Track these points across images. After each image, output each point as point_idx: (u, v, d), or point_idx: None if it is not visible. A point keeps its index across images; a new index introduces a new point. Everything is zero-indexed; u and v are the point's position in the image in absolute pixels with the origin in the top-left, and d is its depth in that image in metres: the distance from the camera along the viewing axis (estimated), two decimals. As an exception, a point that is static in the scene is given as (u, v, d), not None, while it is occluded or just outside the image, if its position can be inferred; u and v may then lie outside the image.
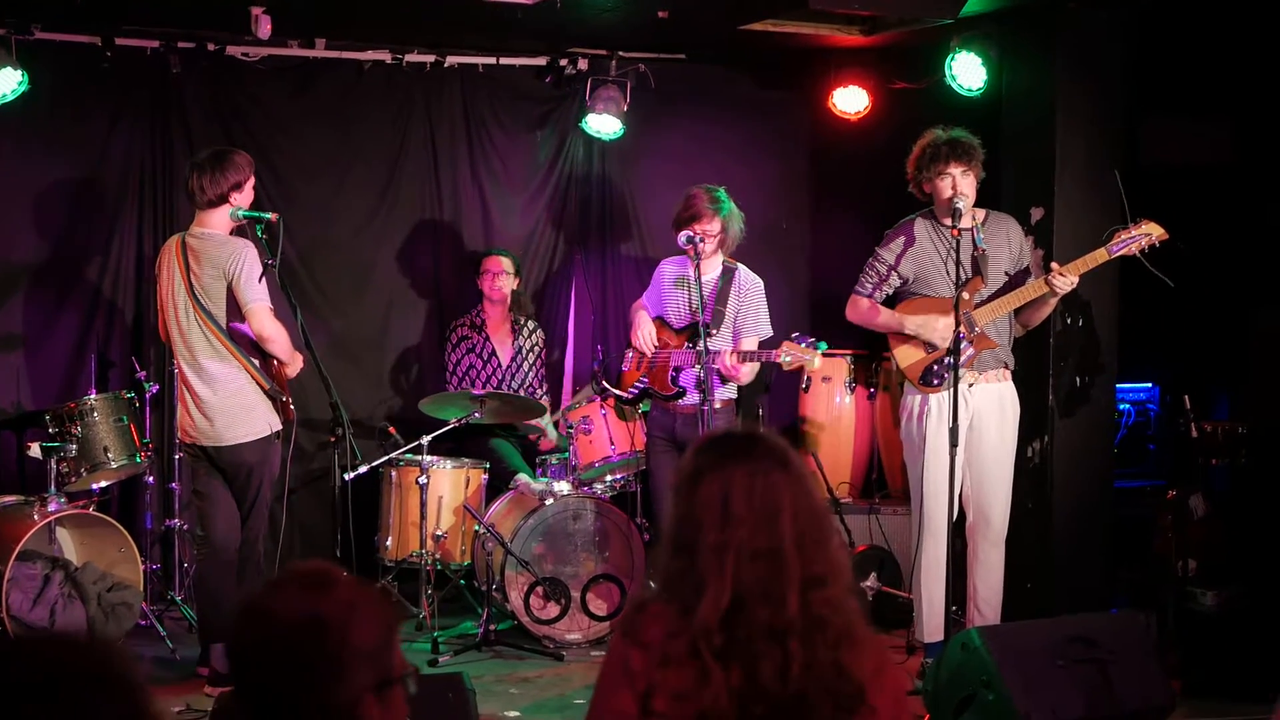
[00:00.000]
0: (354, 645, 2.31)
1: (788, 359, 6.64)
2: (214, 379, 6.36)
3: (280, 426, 6.51)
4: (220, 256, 6.32)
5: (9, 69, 7.43)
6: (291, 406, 6.63)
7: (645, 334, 7.17)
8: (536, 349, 8.41)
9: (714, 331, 6.89)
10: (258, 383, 6.41)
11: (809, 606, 2.68)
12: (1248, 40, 7.64)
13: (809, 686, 2.66)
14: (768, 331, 7.05)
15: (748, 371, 6.93)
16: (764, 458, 2.76)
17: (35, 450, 7.12)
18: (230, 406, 6.37)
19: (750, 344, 6.97)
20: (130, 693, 2.05)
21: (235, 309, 6.37)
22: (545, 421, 8.25)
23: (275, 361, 6.51)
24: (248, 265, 6.30)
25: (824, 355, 6.64)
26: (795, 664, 2.65)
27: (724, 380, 6.92)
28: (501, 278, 8.22)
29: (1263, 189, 7.66)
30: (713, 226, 6.90)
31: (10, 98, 7.50)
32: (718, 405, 6.73)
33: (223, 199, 6.39)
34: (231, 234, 6.46)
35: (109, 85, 7.99)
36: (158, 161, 8.10)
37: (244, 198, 6.46)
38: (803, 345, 6.59)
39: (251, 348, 6.41)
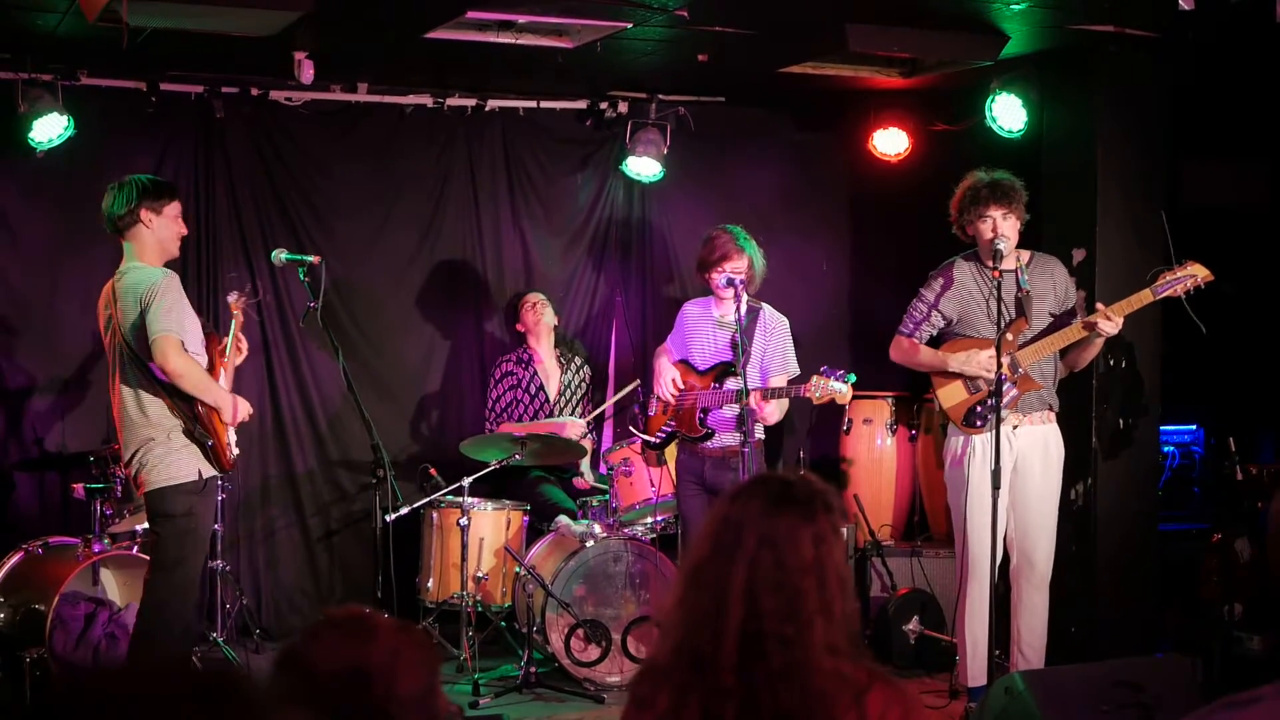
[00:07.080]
0: (400, 694, 2.28)
1: (818, 393, 6.59)
2: (147, 418, 5.95)
3: (213, 473, 6.04)
4: (137, 286, 5.88)
5: (55, 114, 7.48)
6: (230, 454, 6.07)
7: (666, 382, 7.11)
8: (584, 386, 8.44)
9: (741, 371, 6.85)
10: (183, 423, 5.97)
11: (750, 650, 2.60)
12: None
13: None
14: (795, 370, 6.96)
15: (773, 410, 6.82)
16: (751, 496, 2.72)
17: (80, 492, 7.18)
18: (159, 446, 5.95)
19: (778, 382, 6.88)
20: None
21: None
22: (584, 464, 8.25)
23: (199, 403, 5.97)
24: (161, 294, 5.83)
25: (868, 398, 6.57)
26: (731, 704, 2.60)
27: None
28: (540, 306, 8.27)
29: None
30: (741, 264, 6.87)
31: (57, 142, 7.56)
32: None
33: (132, 224, 5.98)
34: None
35: (154, 129, 8.05)
36: (201, 205, 8.11)
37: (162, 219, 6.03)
38: (831, 378, 6.51)
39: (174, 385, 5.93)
